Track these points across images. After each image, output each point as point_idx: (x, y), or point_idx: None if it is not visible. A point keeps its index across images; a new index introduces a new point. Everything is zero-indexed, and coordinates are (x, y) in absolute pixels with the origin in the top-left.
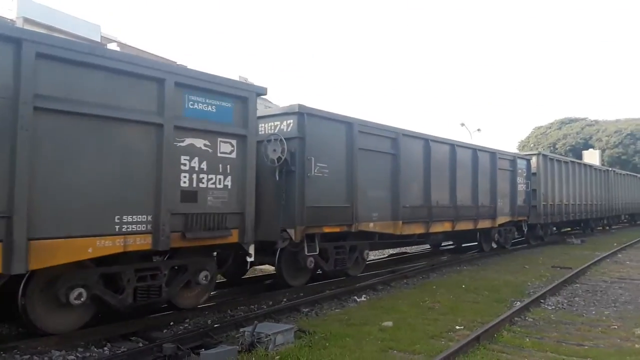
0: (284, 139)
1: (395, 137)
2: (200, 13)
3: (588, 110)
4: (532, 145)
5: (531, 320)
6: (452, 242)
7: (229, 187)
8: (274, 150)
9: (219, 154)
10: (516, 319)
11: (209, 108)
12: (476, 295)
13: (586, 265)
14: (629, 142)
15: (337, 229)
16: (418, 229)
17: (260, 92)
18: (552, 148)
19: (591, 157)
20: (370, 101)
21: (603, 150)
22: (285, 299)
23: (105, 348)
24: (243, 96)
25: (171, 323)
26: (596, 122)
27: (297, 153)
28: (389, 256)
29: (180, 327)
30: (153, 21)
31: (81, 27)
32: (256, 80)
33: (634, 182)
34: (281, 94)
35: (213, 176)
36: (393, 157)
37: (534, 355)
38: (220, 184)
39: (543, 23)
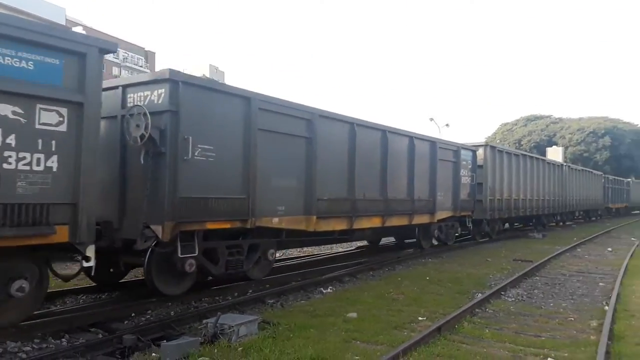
0: (150, 112)
1: (310, 119)
2: (200, 14)
3: (553, 108)
4: (498, 141)
5: (491, 311)
6: (394, 239)
7: (54, 169)
8: (137, 126)
9: (37, 126)
10: (477, 310)
11: (23, 64)
12: (440, 287)
13: (546, 258)
14: (591, 139)
15: (227, 225)
16: (338, 225)
17: (107, 47)
18: (517, 144)
19: (555, 154)
20: (344, 97)
21: (566, 148)
22: (251, 290)
23: (64, 339)
24: (79, 52)
25: (132, 314)
26: (560, 119)
27: (169, 130)
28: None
29: (142, 319)
30: (150, 18)
31: (45, 9)
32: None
33: (590, 178)
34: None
35: (27, 154)
36: (307, 141)
37: (492, 345)
38: (39, 165)
39: (511, 23)
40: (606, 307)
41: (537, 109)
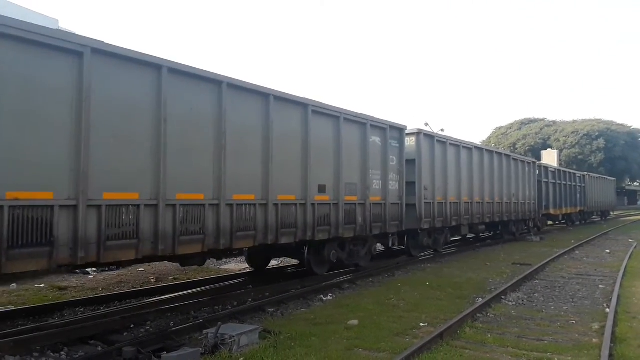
0: None
1: None
2: (202, 15)
3: (547, 111)
4: (493, 144)
5: (492, 316)
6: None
7: None
8: None
9: None
10: (478, 315)
11: None
12: (440, 292)
13: (545, 262)
14: (586, 142)
15: None
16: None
17: None
18: (512, 148)
19: (549, 157)
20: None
21: (561, 150)
22: (250, 299)
23: (63, 352)
24: None
25: (131, 325)
26: (554, 122)
27: None
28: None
29: (141, 330)
30: (159, 23)
31: (37, 21)
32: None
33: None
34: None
35: None
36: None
37: (495, 350)
38: None
39: (505, 28)
40: (607, 310)
41: (531, 113)
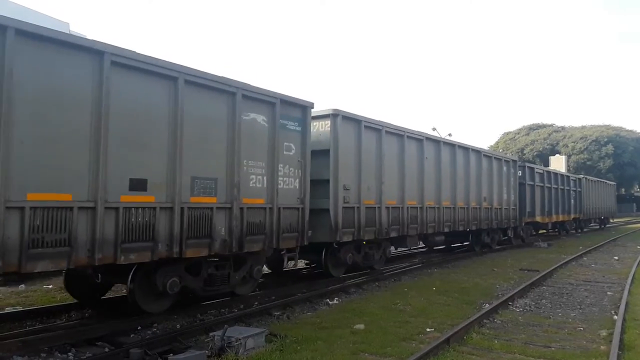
0: None
1: None
2: (203, 14)
3: (555, 117)
4: (501, 150)
5: (499, 322)
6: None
7: None
8: None
9: None
10: (485, 321)
11: None
12: (446, 298)
13: (552, 268)
14: (594, 148)
15: None
16: None
17: None
18: (520, 153)
19: (557, 162)
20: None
21: (569, 156)
22: (256, 302)
23: (70, 353)
24: None
25: (138, 327)
26: (563, 128)
27: None
28: None
29: (148, 332)
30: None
31: (48, 25)
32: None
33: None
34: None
35: None
36: None
37: (502, 357)
38: None
39: (514, 33)
40: (615, 317)
41: (539, 118)
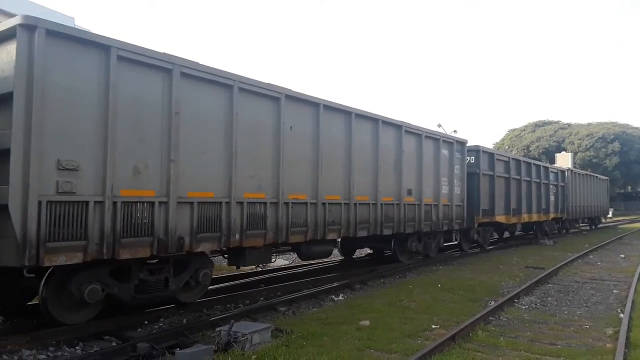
0: None
1: None
2: (205, 14)
3: (561, 114)
4: (506, 147)
5: (505, 319)
6: None
7: None
8: None
9: None
10: (491, 318)
11: None
12: (452, 295)
13: (558, 265)
14: (600, 145)
15: None
16: None
17: None
18: (526, 150)
19: (563, 159)
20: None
21: (575, 153)
22: (262, 298)
23: (78, 347)
24: None
25: (145, 322)
26: (569, 125)
27: None
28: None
29: (155, 327)
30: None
31: (53, 18)
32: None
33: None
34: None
35: None
36: None
37: (508, 354)
38: None
39: (519, 29)
40: (621, 315)
41: (545, 115)
